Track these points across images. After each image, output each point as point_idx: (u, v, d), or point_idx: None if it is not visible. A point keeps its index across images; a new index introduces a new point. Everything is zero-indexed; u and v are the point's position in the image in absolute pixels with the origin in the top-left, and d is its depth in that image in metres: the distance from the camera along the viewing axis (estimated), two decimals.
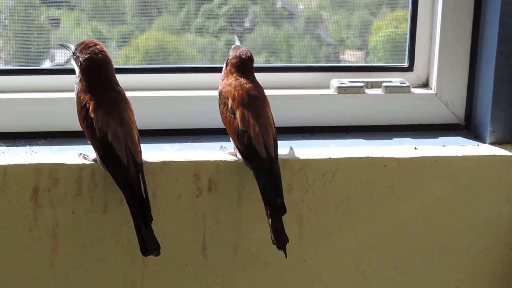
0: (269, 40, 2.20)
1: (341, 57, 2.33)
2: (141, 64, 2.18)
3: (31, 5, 2.13)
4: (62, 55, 2.19)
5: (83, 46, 1.71)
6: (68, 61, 2.15)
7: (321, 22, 2.31)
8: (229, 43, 2.13)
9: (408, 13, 2.03)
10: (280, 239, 1.70)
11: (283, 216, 1.70)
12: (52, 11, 2.18)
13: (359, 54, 2.34)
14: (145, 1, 2.17)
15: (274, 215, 1.69)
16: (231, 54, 1.80)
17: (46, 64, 2.15)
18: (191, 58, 2.23)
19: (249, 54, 1.79)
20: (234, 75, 1.77)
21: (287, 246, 1.70)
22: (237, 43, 1.85)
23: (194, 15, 2.21)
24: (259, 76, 1.81)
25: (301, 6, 2.30)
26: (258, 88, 1.77)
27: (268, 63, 2.20)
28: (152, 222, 1.65)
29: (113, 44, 2.10)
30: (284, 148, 1.83)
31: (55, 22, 2.19)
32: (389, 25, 2.26)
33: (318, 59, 2.26)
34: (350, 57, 2.32)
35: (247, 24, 2.26)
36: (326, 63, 2.25)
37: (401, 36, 2.24)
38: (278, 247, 1.70)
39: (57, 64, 2.16)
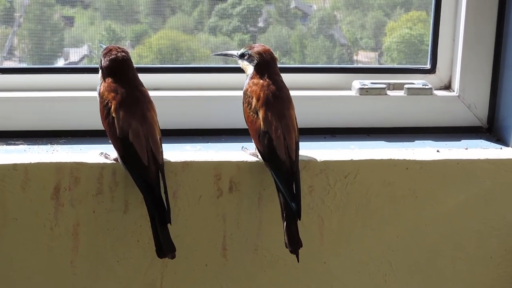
0: (283, 40, 2.19)
1: (355, 57, 2.32)
2: (154, 63, 2.18)
3: (46, 3, 2.13)
4: (76, 53, 2.20)
5: (107, 50, 1.73)
6: (82, 59, 2.19)
7: (335, 22, 2.29)
8: (243, 43, 2.17)
9: (431, 15, 2.03)
10: (294, 243, 1.69)
11: (303, 218, 1.70)
12: (66, 9, 2.18)
13: (373, 55, 2.33)
14: (159, 1, 2.17)
15: (289, 219, 1.69)
16: (255, 54, 1.78)
17: (60, 63, 2.16)
18: (204, 57, 2.23)
19: (273, 54, 1.78)
20: (261, 75, 1.76)
21: (305, 249, 1.71)
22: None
23: (207, 14, 2.21)
24: (284, 77, 1.80)
25: (315, 7, 2.28)
26: (283, 89, 1.76)
27: (281, 64, 2.17)
28: (170, 224, 1.65)
29: (127, 43, 2.10)
30: (305, 149, 1.82)
31: (69, 21, 2.19)
32: (404, 26, 2.25)
33: (332, 59, 2.25)
34: (364, 58, 2.32)
35: (260, 24, 2.25)
36: (339, 63, 2.25)
37: (416, 37, 2.24)
38: (291, 251, 1.70)
39: (70, 63, 2.17)
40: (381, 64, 2.26)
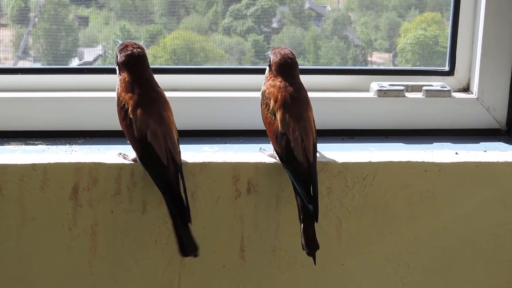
0: (297, 41, 2.19)
1: (369, 59, 2.32)
2: (169, 63, 2.19)
3: (61, 3, 2.14)
4: (90, 53, 2.21)
5: (124, 45, 1.74)
6: (96, 59, 2.21)
7: (349, 23, 2.29)
8: (256, 43, 2.18)
9: (450, 16, 2.03)
10: (311, 245, 1.69)
11: (320, 220, 1.70)
12: (81, 9, 2.19)
13: (387, 56, 2.33)
14: (173, 1, 2.17)
15: (306, 221, 1.68)
16: (273, 56, 1.78)
17: (74, 63, 2.17)
18: (218, 58, 2.23)
19: (292, 57, 1.78)
20: (279, 77, 1.76)
21: (323, 251, 1.70)
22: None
23: (221, 15, 2.21)
24: (302, 78, 1.80)
25: (329, 8, 2.28)
26: (302, 91, 1.76)
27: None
28: (191, 223, 1.65)
29: (141, 43, 2.04)
30: (323, 151, 1.82)
31: (84, 21, 2.21)
32: (418, 27, 2.24)
33: (346, 61, 2.25)
34: (378, 59, 2.31)
35: (274, 25, 2.25)
36: (354, 64, 2.25)
37: (430, 39, 2.24)
38: (308, 253, 1.70)
39: (85, 63, 2.18)
40: (396, 66, 2.25)
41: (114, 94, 1.73)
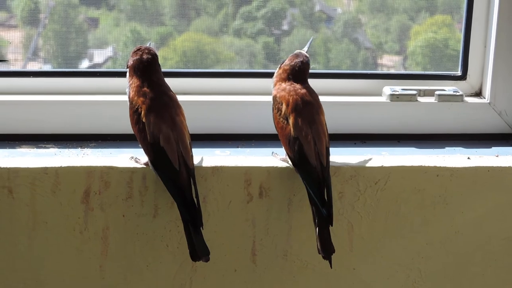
0: (307, 44, 2.17)
1: (379, 61, 2.31)
2: (179, 65, 2.19)
3: (71, 5, 2.13)
4: (101, 55, 2.21)
5: (135, 49, 1.74)
6: (106, 61, 2.20)
7: (359, 26, 2.29)
8: (267, 45, 2.17)
9: (463, 20, 2.02)
10: (326, 249, 1.69)
11: (333, 224, 1.69)
12: (91, 11, 2.19)
13: (397, 59, 2.32)
14: (183, 3, 2.16)
15: (321, 225, 1.68)
16: (287, 60, 1.79)
17: (84, 64, 2.17)
18: (229, 60, 2.23)
19: (302, 64, 1.77)
20: (288, 81, 1.76)
21: (334, 255, 1.70)
22: (306, 48, 1.83)
23: (232, 17, 2.20)
24: (310, 83, 1.80)
25: (339, 10, 2.28)
26: (312, 94, 1.76)
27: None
28: (203, 227, 1.65)
29: (151, 45, 2.04)
30: (335, 155, 1.81)
31: (94, 22, 2.21)
32: (428, 30, 2.24)
33: (356, 63, 2.25)
34: (388, 61, 2.31)
35: (285, 27, 2.25)
36: (364, 67, 2.25)
37: (440, 42, 2.23)
38: (324, 257, 1.70)
39: (95, 64, 2.18)
40: (406, 68, 2.25)
41: (126, 98, 1.73)
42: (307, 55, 1.79)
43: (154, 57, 1.73)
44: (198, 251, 1.65)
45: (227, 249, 1.80)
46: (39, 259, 1.76)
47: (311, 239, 1.73)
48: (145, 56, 1.72)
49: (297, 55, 1.79)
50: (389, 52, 2.31)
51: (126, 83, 1.74)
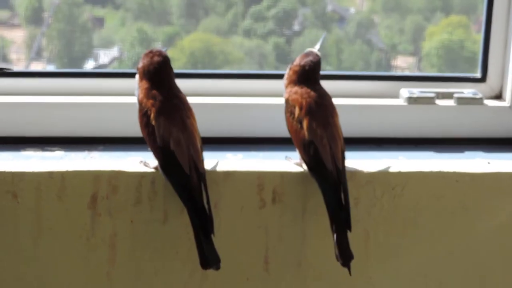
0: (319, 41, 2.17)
1: (393, 63, 2.30)
2: (187, 66, 2.19)
3: (75, 3, 2.14)
4: (106, 55, 2.20)
5: (147, 52, 1.73)
6: (112, 61, 2.20)
7: (372, 26, 2.28)
8: (277, 46, 2.17)
9: (482, 21, 2.00)
10: (345, 256, 1.67)
11: (351, 230, 1.67)
12: (97, 10, 2.19)
13: (412, 60, 2.31)
14: (191, 2, 2.16)
15: (339, 231, 1.66)
16: (297, 61, 1.76)
17: (89, 65, 2.17)
18: (238, 61, 2.23)
19: (313, 63, 1.74)
20: (299, 82, 1.74)
21: (351, 263, 1.68)
22: (317, 45, 1.80)
23: (241, 17, 2.21)
24: (324, 85, 1.78)
25: (352, 10, 2.29)
26: (326, 96, 1.73)
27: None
28: (214, 234, 1.63)
29: (158, 45, 2.11)
30: (351, 159, 1.78)
31: (99, 22, 2.22)
32: (443, 31, 2.24)
33: (369, 65, 2.24)
34: (402, 63, 2.30)
35: (296, 27, 2.25)
36: (377, 68, 2.24)
37: (456, 43, 2.23)
38: (343, 264, 1.67)
39: (100, 65, 2.18)
40: (421, 70, 2.25)
41: (134, 100, 1.71)
42: (318, 53, 1.76)
43: (165, 59, 1.71)
44: (209, 259, 1.62)
45: (238, 257, 1.77)
46: (44, 267, 1.74)
47: (326, 247, 1.71)
48: (156, 59, 1.70)
49: (307, 54, 1.76)
50: (403, 53, 2.31)
51: (134, 85, 1.72)
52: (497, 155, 1.92)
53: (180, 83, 1.73)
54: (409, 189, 1.78)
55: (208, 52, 2.21)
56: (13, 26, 2.15)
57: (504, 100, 2.01)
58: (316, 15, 2.26)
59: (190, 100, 1.72)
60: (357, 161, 1.80)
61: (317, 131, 1.67)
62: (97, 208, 1.72)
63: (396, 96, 2.01)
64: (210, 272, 1.67)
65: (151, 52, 1.72)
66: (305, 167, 1.71)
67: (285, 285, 1.80)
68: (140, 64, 1.71)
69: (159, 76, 1.69)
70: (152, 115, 1.65)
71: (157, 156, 1.66)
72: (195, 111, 1.70)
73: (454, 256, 1.82)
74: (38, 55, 2.17)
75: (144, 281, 1.76)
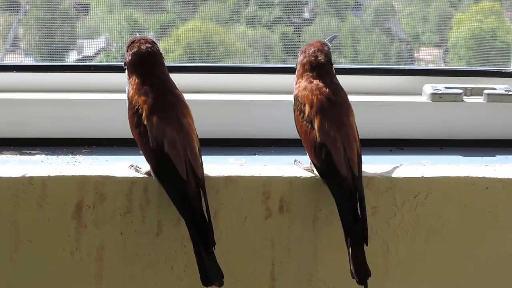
0: (332, 34, 2.06)
1: (416, 55, 2.26)
2: (182, 58, 2.13)
3: None
4: (91, 46, 2.16)
5: (130, 42, 1.67)
6: (98, 53, 2.17)
7: (392, 14, 2.22)
8: (285, 36, 2.14)
9: None
10: (361, 273, 1.60)
11: (368, 244, 1.61)
12: None
13: (437, 52, 2.26)
14: None
15: (354, 245, 1.60)
16: (302, 53, 1.70)
17: (72, 57, 2.14)
18: (240, 53, 2.17)
19: (320, 52, 1.66)
20: (311, 77, 1.66)
21: (368, 281, 1.61)
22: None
23: (244, 3, 2.15)
24: (339, 79, 1.71)
25: None
26: (340, 92, 1.66)
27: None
28: (215, 247, 1.57)
29: (151, 34, 2.03)
30: (367, 164, 1.72)
31: (84, 8, 2.15)
32: (473, 19, 2.18)
33: (389, 57, 2.19)
34: (426, 55, 2.25)
35: (306, 15, 2.19)
36: (398, 61, 2.19)
37: (487, 32, 2.16)
38: (359, 282, 1.61)
39: (84, 57, 2.14)
40: (447, 63, 2.20)
41: (124, 97, 1.65)
42: (325, 42, 1.69)
43: (153, 47, 1.65)
44: (210, 274, 1.56)
45: (242, 272, 1.72)
46: (23, 285, 1.68)
47: (340, 261, 1.66)
48: (143, 47, 1.63)
49: (311, 44, 1.69)
50: (427, 44, 2.26)
51: (122, 80, 1.67)
52: None
53: (176, 77, 1.67)
54: (433, 197, 1.72)
55: (206, 42, 2.15)
56: None
57: None
58: (329, 1, 2.20)
59: (187, 96, 1.66)
60: (375, 166, 1.75)
61: (329, 132, 1.60)
62: (83, 218, 1.66)
63: (419, 92, 1.97)
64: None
65: (134, 41, 1.65)
66: (316, 172, 1.66)
67: None
68: (127, 58, 1.65)
69: (149, 67, 1.63)
70: (144, 114, 1.58)
71: (149, 159, 1.59)
72: (192, 109, 1.64)
73: (483, 271, 1.77)
74: (14, 46, 2.12)
75: None
